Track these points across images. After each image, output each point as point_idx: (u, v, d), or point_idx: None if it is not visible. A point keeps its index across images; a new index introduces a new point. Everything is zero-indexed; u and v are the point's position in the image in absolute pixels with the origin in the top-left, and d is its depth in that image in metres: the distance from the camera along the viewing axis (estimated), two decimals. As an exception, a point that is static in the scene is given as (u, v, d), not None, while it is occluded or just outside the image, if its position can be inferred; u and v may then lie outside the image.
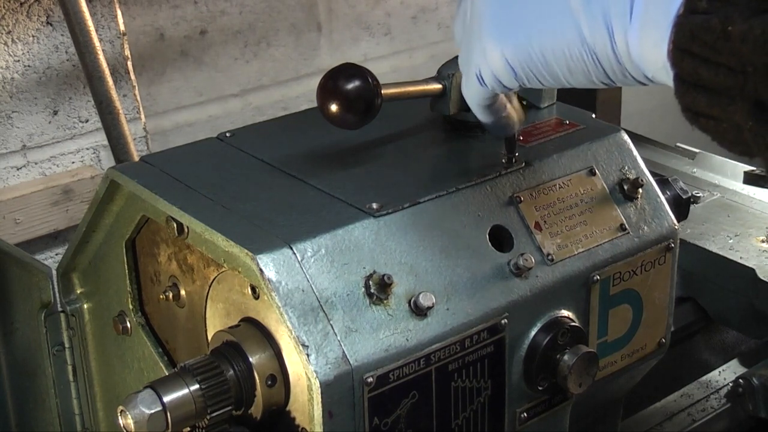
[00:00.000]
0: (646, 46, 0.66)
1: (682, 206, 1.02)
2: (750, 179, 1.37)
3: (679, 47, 0.62)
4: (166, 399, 0.77)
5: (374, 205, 0.82)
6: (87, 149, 1.49)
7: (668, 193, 1.00)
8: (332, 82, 0.84)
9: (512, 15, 0.74)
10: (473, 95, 0.80)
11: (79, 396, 1.04)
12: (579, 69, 0.71)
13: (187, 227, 0.83)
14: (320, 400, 0.74)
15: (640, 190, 0.93)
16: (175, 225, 0.83)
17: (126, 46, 1.47)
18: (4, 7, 1.36)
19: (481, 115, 0.83)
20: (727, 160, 1.41)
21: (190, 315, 0.90)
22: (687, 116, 0.65)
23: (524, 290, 0.84)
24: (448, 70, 0.91)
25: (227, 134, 0.97)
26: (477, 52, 0.76)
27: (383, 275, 0.77)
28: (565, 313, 0.87)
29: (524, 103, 0.89)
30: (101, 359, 1.02)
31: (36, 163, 1.45)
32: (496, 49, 0.74)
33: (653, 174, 0.96)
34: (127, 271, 0.94)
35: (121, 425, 0.77)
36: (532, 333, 0.86)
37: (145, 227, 0.92)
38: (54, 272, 1.00)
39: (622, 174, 0.94)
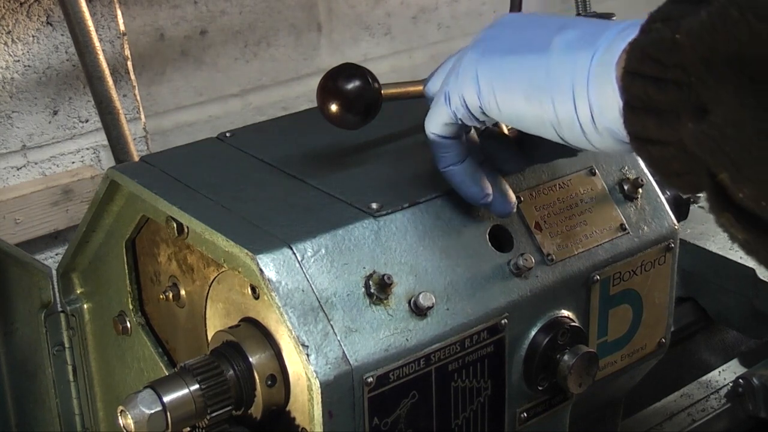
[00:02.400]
0: (598, 85, 0.67)
1: (682, 206, 1.02)
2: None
3: (629, 71, 0.64)
4: (166, 399, 0.77)
5: (374, 205, 0.82)
6: (87, 149, 1.49)
7: (668, 193, 1.00)
8: (332, 82, 0.84)
9: (497, 46, 0.76)
10: (434, 121, 0.80)
11: (79, 396, 1.04)
12: (536, 101, 0.72)
13: (187, 227, 0.83)
14: (320, 400, 0.74)
15: (640, 190, 0.93)
16: (175, 225, 0.83)
17: (126, 46, 1.47)
18: (4, 7, 1.36)
19: (438, 150, 0.81)
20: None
21: (190, 315, 0.90)
22: (635, 146, 0.66)
23: (524, 290, 0.84)
24: (448, 70, 0.91)
25: (227, 134, 0.97)
26: (453, 72, 0.78)
27: (383, 275, 0.77)
28: (565, 313, 0.87)
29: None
30: (101, 359, 1.02)
31: (36, 163, 1.45)
32: (471, 65, 0.76)
33: (653, 174, 0.96)
34: (127, 271, 0.94)
35: (121, 425, 0.77)
36: (532, 333, 0.86)
37: (145, 227, 0.92)
38: (54, 272, 1.00)
39: (622, 174, 0.94)
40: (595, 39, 0.69)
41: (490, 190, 0.82)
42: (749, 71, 0.55)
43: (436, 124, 0.80)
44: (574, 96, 0.70)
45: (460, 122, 0.79)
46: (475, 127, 0.83)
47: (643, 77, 0.62)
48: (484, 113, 0.77)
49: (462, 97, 0.77)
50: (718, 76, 0.57)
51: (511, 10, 1.17)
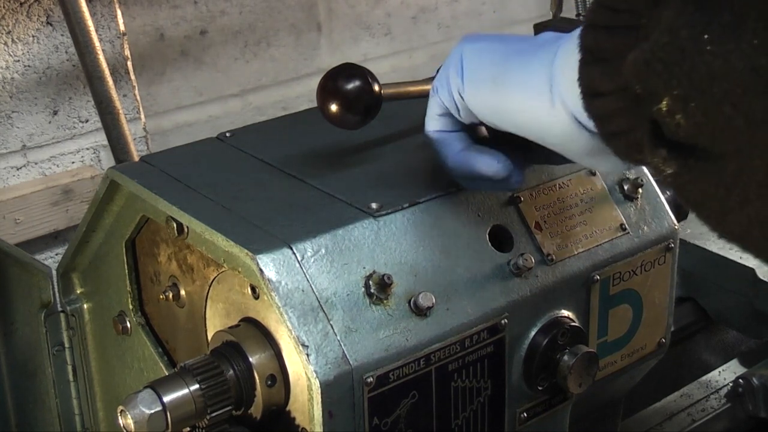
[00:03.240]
0: (564, 66, 0.69)
1: (682, 206, 1.02)
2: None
3: (586, 25, 0.65)
4: (166, 399, 0.77)
5: (374, 205, 0.82)
6: (87, 149, 1.49)
7: (668, 193, 1.00)
8: (332, 82, 0.84)
9: (484, 37, 0.78)
10: (428, 111, 0.81)
11: (79, 396, 1.04)
12: (500, 89, 0.74)
13: (187, 227, 0.83)
14: (320, 400, 0.74)
15: (640, 189, 0.93)
16: (175, 225, 0.83)
17: (126, 46, 1.47)
18: (4, 7, 1.36)
19: (439, 144, 0.82)
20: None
21: (190, 315, 0.90)
22: (585, 105, 0.66)
23: (524, 290, 0.84)
24: (448, 70, 0.91)
25: (227, 134, 0.97)
26: (442, 67, 0.79)
27: (383, 275, 0.77)
28: (565, 313, 0.87)
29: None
30: (101, 359, 1.02)
31: (36, 163, 1.45)
32: (457, 52, 0.77)
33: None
34: (127, 271, 0.94)
35: (121, 425, 0.77)
36: (532, 333, 0.86)
37: (145, 227, 0.92)
38: (54, 272, 1.00)
39: (622, 174, 0.94)
40: (575, 31, 0.71)
41: (504, 158, 0.81)
42: None
43: (432, 118, 0.81)
44: (551, 79, 0.71)
45: (449, 114, 0.80)
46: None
47: (595, 27, 0.64)
48: (466, 105, 0.78)
49: (448, 83, 0.78)
50: (662, 4, 0.58)
51: (553, 13, 1.18)
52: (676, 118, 0.58)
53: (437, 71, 0.89)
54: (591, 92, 0.65)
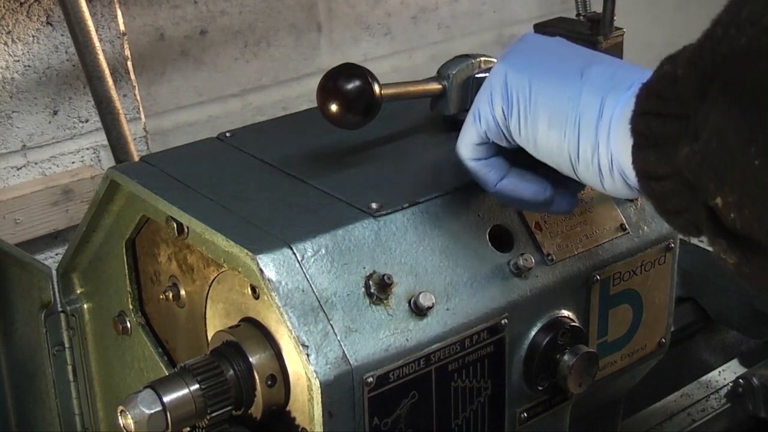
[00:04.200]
0: (621, 131, 0.70)
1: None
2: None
3: (638, 112, 0.67)
4: (166, 399, 0.77)
5: (374, 205, 0.82)
6: (87, 149, 1.49)
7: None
8: (332, 82, 0.84)
9: (528, 58, 0.77)
10: (466, 142, 0.80)
11: (79, 396, 1.04)
12: (559, 126, 0.74)
13: (187, 227, 0.83)
14: (320, 400, 0.74)
15: (640, 190, 0.93)
16: (175, 225, 0.83)
17: (126, 46, 1.47)
18: (4, 7, 1.36)
19: (479, 173, 0.82)
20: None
21: (190, 315, 0.90)
22: (641, 186, 0.69)
23: (524, 290, 0.84)
24: (448, 70, 0.91)
25: (227, 134, 0.97)
26: (483, 85, 0.78)
27: (383, 275, 0.77)
28: (565, 313, 0.87)
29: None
30: (101, 359, 1.02)
31: (36, 163, 1.45)
32: (501, 74, 0.77)
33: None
34: (127, 271, 0.94)
35: (121, 425, 0.77)
36: (532, 333, 0.86)
37: (145, 227, 0.92)
38: (54, 272, 1.00)
39: (622, 174, 0.94)
40: (624, 81, 0.72)
41: (548, 184, 0.81)
42: (733, 87, 0.58)
43: (468, 146, 0.80)
44: (597, 134, 0.72)
45: (490, 141, 0.79)
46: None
47: (648, 114, 0.65)
48: (510, 132, 0.77)
49: (492, 110, 0.77)
50: (710, 101, 0.60)
51: (604, 13, 1.18)
52: (731, 216, 0.60)
53: (439, 71, 0.89)
54: (647, 176, 0.67)
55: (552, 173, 0.79)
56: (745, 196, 0.58)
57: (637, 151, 0.67)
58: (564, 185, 0.82)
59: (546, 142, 0.75)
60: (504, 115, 0.76)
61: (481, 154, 0.80)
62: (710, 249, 0.64)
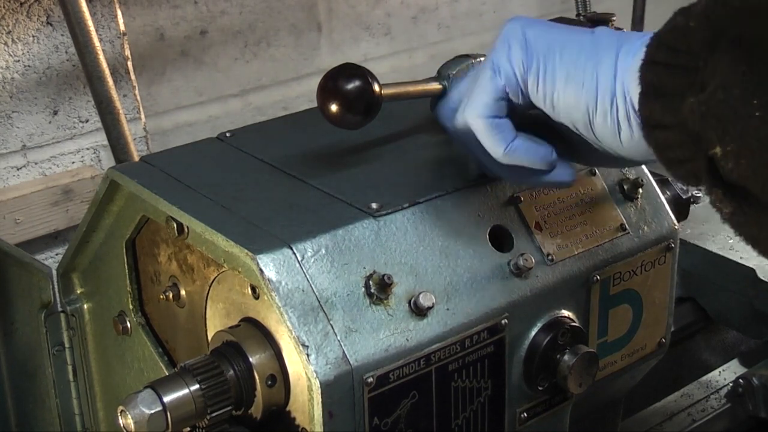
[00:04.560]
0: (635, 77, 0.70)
1: (682, 206, 1.02)
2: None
3: (647, 60, 0.68)
4: (166, 399, 0.77)
5: (374, 205, 0.82)
6: (87, 149, 1.49)
7: (668, 193, 1.00)
8: (332, 82, 0.84)
9: (539, 21, 0.78)
10: (478, 98, 0.78)
11: (79, 396, 1.04)
12: (577, 79, 0.74)
13: (187, 227, 0.83)
14: (320, 400, 0.74)
15: (640, 190, 0.93)
16: (175, 225, 0.83)
17: (126, 46, 1.47)
18: (4, 7, 1.36)
19: (492, 134, 0.79)
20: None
21: (190, 315, 0.90)
22: (645, 133, 0.70)
23: (524, 290, 0.84)
24: (448, 70, 0.91)
25: (227, 134, 0.97)
26: (496, 43, 0.78)
27: (383, 275, 0.77)
28: (565, 313, 0.87)
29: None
30: (101, 359, 1.02)
31: (36, 163, 1.45)
32: (516, 29, 0.77)
33: (653, 174, 0.96)
34: (127, 271, 0.94)
35: (121, 425, 0.77)
36: (532, 333, 0.86)
37: (145, 227, 0.92)
38: (54, 272, 1.00)
39: (622, 174, 0.94)
40: (634, 35, 0.73)
41: (552, 149, 0.80)
42: (743, 41, 0.60)
43: (484, 105, 0.77)
44: (614, 82, 0.72)
45: (507, 98, 0.77)
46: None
47: (656, 64, 0.67)
48: (527, 89, 0.77)
49: (511, 65, 0.76)
50: (719, 54, 0.62)
51: (634, 13, 1.18)
52: (729, 165, 0.62)
53: (439, 71, 0.89)
54: (651, 124, 0.68)
55: (554, 141, 0.79)
56: (743, 147, 0.60)
57: (644, 99, 0.68)
58: (565, 155, 0.81)
59: (564, 96, 0.75)
60: (524, 67, 0.76)
61: (496, 112, 0.78)
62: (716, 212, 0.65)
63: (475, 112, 0.78)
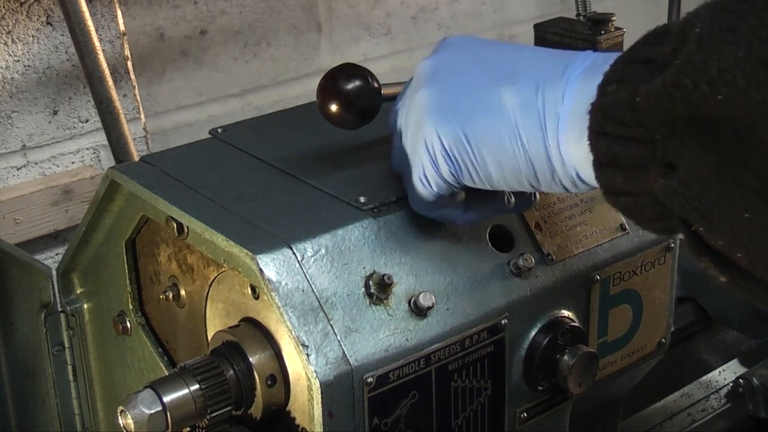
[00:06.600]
0: (572, 141, 0.69)
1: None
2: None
3: (594, 130, 0.65)
4: (166, 399, 0.77)
5: (374, 205, 0.82)
6: (87, 149, 1.49)
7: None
8: (332, 82, 0.84)
9: (450, 103, 0.75)
10: (422, 203, 0.79)
11: (79, 396, 1.04)
12: (510, 165, 0.73)
13: (187, 227, 0.83)
14: (320, 400, 0.74)
15: (640, 190, 0.93)
16: (175, 225, 0.83)
17: (126, 46, 1.47)
18: (4, 7, 1.36)
19: (445, 219, 0.81)
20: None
21: (190, 315, 0.90)
22: (608, 198, 0.67)
23: (524, 290, 0.84)
24: (448, 70, 0.91)
25: (219, 130, 0.97)
26: (419, 149, 0.76)
27: (383, 275, 0.77)
28: (565, 313, 0.87)
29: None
30: (101, 359, 1.02)
31: (36, 163, 1.45)
32: (434, 135, 0.75)
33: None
34: (127, 271, 0.94)
35: (121, 425, 0.77)
36: (532, 333, 0.86)
37: (145, 227, 0.92)
38: (54, 272, 1.00)
39: (622, 174, 0.94)
40: (551, 94, 0.70)
41: (505, 196, 0.82)
42: (708, 131, 0.57)
43: (427, 205, 0.79)
44: (551, 161, 0.71)
45: (439, 193, 0.78)
46: None
47: (607, 136, 0.63)
48: (462, 183, 0.76)
49: (438, 174, 0.76)
50: (681, 134, 0.59)
51: (669, 17, 1.17)
52: (718, 243, 0.59)
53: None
54: (614, 191, 0.66)
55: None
56: (736, 243, 0.58)
57: (600, 168, 0.65)
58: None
59: (503, 180, 0.74)
60: (453, 174, 0.75)
61: (438, 206, 0.79)
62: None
63: (419, 210, 0.80)
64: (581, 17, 1.25)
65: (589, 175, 0.68)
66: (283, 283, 0.75)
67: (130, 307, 0.95)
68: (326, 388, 0.74)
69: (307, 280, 0.76)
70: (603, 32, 1.11)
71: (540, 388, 0.86)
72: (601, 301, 0.90)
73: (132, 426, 0.76)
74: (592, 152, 0.65)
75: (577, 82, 0.69)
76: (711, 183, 0.57)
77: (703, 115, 0.57)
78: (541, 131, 0.71)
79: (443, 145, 0.74)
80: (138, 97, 1.50)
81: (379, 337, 0.77)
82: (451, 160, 0.75)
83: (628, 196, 0.65)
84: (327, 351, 0.74)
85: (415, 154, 0.77)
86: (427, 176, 0.77)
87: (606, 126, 0.63)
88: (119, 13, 1.45)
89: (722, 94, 0.55)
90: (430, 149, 0.75)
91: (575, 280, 0.88)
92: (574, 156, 0.69)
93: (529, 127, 0.71)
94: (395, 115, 0.83)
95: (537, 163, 0.72)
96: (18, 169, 1.44)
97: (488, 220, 0.85)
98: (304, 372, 0.74)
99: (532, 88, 0.71)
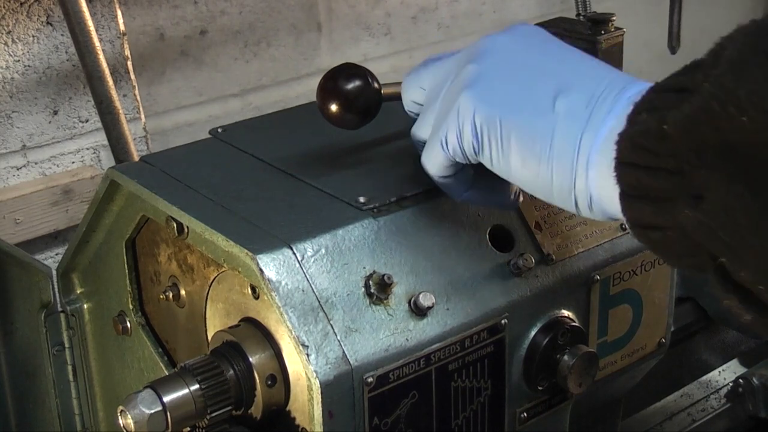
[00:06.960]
0: (601, 168, 0.67)
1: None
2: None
3: (622, 161, 0.64)
4: (166, 399, 0.77)
5: (374, 205, 0.82)
6: (87, 149, 1.49)
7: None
8: (332, 82, 0.84)
9: (495, 89, 0.74)
10: (433, 163, 0.79)
11: (79, 396, 1.04)
12: (532, 165, 0.72)
13: (187, 227, 0.83)
14: (320, 400, 0.74)
15: (640, 190, 0.93)
16: (175, 225, 0.83)
17: (126, 46, 1.47)
18: (4, 7, 1.36)
19: (445, 188, 0.81)
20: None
21: (190, 315, 0.90)
22: (635, 233, 0.66)
23: (524, 290, 0.84)
24: (448, 70, 0.91)
25: (219, 129, 0.97)
26: (451, 114, 0.76)
27: (383, 275, 0.77)
28: (565, 313, 0.87)
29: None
30: (101, 359, 1.02)
31: (36, 163, 1.45)
32: (469, 108, 0.74)
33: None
34: (127, 271, 0.94)
35: (121, 425, 0.77)
36: (532, 333, 0.86)
37: (145, 227, 0.92)
38: (54, 272, 1.00)
39: (622, 174, 0.94)
40: (599, 112, 0.69)
41: (513, 191, 0.82)
42: (735, 159, 0.56)
43: (437, 166, 0.79)
44: (574, 176, 0.70)
45: (453, 160, 0.78)
46: None
47: (636, 167, 0.63)
48: (479, 160, 0.76)
49: (460, 143, 0.76)
50: (709, 165, 0.58)
51: (670, 17, 1.15)
52: (742, 275, 0.58)
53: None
54: (642, 225, 0.64)
55: None
56: (760, 275, 0.57)
57: (627, 200, 0.64)
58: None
59: (520, 176, 0.73)
60: (474, 150, 0.75)
61: (448, 172, 0.79)
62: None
63: (430, 170, 0.80)
64: (581, 17, 1.25)
65: (609, 202, 0.67)
66: (283, 283, 0.75)
67: (130, 307, 0.95)
68: (326, 388, 0.74)
69: (307, 280, 0.76)
70: (603, 32, 1.11)
71: (540, 388, 0.86)
72: (601, 301, 0.90)
73: (132, 426, 0.76)
74: (618, 184, 0.64)
75: (621, 108, 0.68)
76: (737, 213, 0.57)
77: (730, 143, 0.56)
78: (575, 147, 0.69)
79: (474, 122, 0.74)
80: (138, 97, 1.50)
81: (379, 337, 0.77)
82: (477, 137, 0.74)
83: (657, 230, 0.63)
84: (327, 351, 0.74)
85: (444, 117, 0.77)
86: (447, 140, 0.76)
87: (635, 156, 0.62)
88: (119, 13, 1.45)
89: (748, 116, 0.54)
90: (460, 120, 0.75)
91: (575, 280, 0.88)
92: (598, 182, 0.68)
93: (564, 137, 0.70)
94: (431, 66, 0.82)
95: (558, 173, 0.71)
96: (18, 169, 1.44)
97: (486, 213, 0.85)
98: (304, 372, 0.74)
99: (583, 102, 0.70)
